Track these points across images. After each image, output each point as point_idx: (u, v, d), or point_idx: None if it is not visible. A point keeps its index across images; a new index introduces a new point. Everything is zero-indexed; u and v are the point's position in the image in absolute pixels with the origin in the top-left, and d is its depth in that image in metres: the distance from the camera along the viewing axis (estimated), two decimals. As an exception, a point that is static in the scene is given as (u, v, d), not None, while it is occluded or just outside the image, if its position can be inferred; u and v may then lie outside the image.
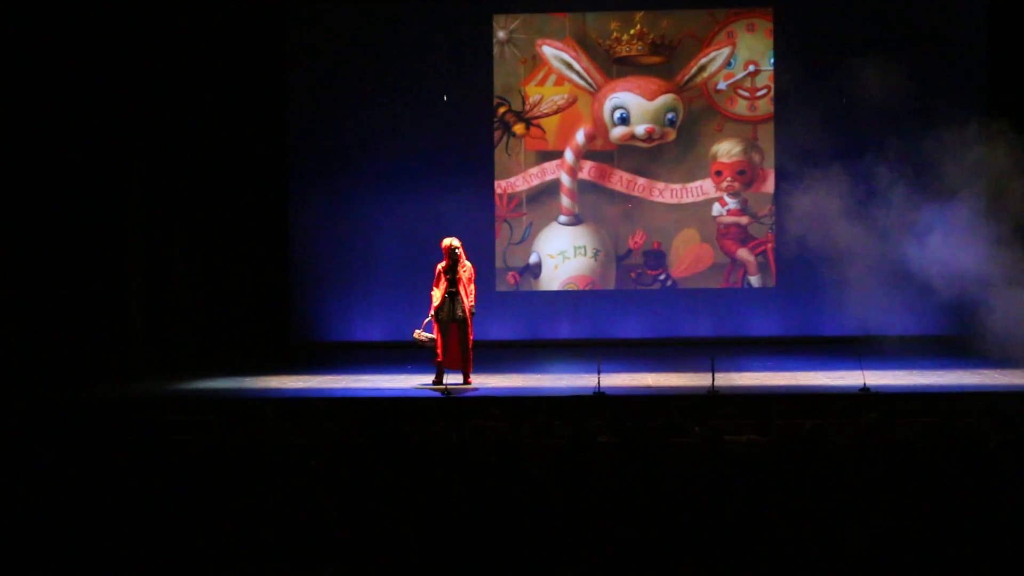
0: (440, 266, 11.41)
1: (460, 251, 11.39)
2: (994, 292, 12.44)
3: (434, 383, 11.39)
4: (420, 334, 11.48)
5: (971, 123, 12.50)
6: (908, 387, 10.94)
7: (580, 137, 15.01)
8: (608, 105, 14.95)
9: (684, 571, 5.03)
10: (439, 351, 11.34)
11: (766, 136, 14.89)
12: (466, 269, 11.40)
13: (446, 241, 11.44)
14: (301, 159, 14.97)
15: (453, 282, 11.31)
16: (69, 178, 12.44)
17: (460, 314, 11.31)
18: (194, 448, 7.28)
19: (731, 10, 14.87)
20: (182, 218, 14.15)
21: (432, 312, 11.36)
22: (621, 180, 15.01)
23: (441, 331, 11.33)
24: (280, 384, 11.81)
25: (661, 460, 6.55)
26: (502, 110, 15.03)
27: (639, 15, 14.89)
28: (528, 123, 15.03)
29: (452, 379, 11.31)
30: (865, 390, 10.51)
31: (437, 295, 11.34)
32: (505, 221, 15.09)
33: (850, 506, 5.56)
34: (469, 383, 11.37)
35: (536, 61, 15.01)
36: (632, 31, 14.90)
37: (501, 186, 15.06)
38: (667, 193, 14.99)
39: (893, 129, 12.80)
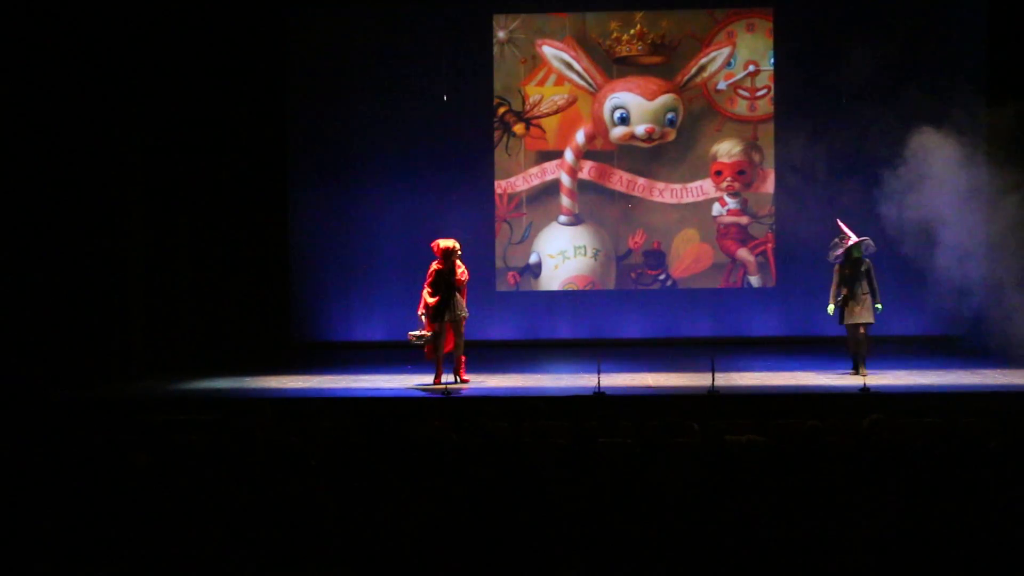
0: (436, 267, 11.38)
1: (459, 253, 11.42)
2: (995, 292, 12.45)
3: (435, 382, 11.38)
4: (414, 334, 11.42)
5: (972, 123, 12.49)
6: (908, 387, 10.93)
7: (580, 137, 15.02)
8: (608, 105, 14.95)
9: (685, 571, 5.03)
10: (448, 347, 11.33)
11: (766, 136, 14.90)
12: (463, 271, 11.42)
13: (446, 243, 11.41)
14: (301, 159, 14.99)
15: (452, 284, 11.31)
16: (70, 178, 12.44)
17: (460, 314, 11.33)
18: (194, 448, 7.28)
19: (731, 10, 14.88)
20: (182, 218, 14.15)
21: (424, 311, 11.32)
22: (621, 180, 15.01)
23: (439, 331, 11.30)
24: (280, 384, 11.81)
25: (661, 460, 6.54)
26: (502, 110, 15.03)
27: (639, 15, 14.90)
28: (528, 123, 15.03)
29: (447, 378, 11.32)
30: (865, 390, 10.50)
31: (434, 297, 11.29)
32: (505, 221, 15.09)
33: (850, 506, 5.56)
34: (466, 381, 11.39)
35: (536, 61, 15.01)
36: (632, 31, 14.90)
37: (501, 186, 15.06)
38: (667, 193, 15.00)
39: (893, 129, 12.79)
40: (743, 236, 14.99)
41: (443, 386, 11.05)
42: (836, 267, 11.79)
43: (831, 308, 11.79)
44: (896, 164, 12.30)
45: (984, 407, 9.52)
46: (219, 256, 14.45)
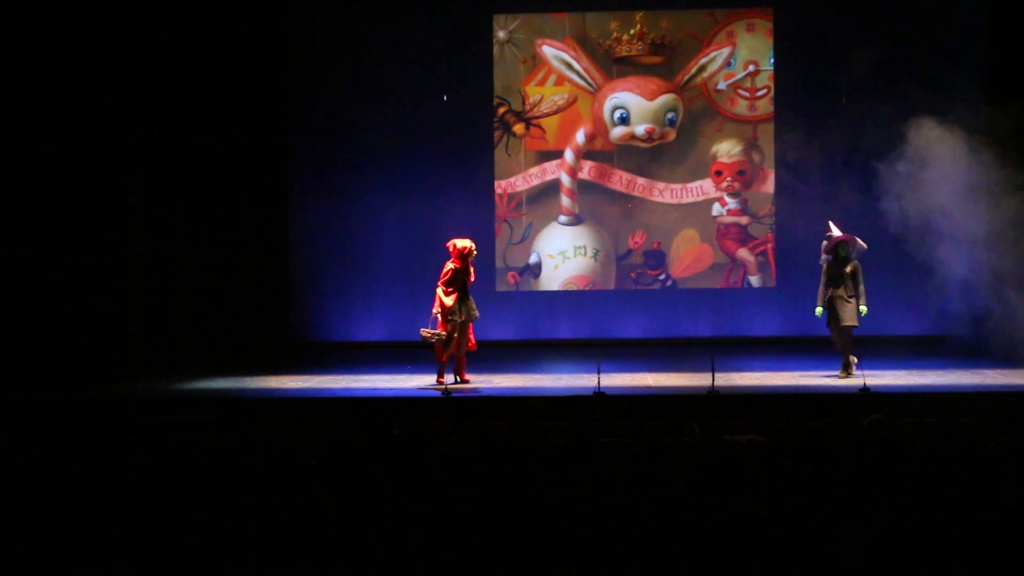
0: (453, 267, 11.33)
1: (475, 254, 11.44)
2: (995, 291, 12.45)
3: (438, 381, 11.36)
4: (427, 332, 11.37)
5: (972, 122, 12.50)
6: (908, 387, 10.93)
7: (580, 137, 15.02)
8: (608, 105, 14.95)
9: (684, 571, 5.03)
10: (452, 349, 11.33)
11: (766, 136, 14.89)
12: (472, 273, 11.46)
13: (463, 243, 11.39)
14: (301, 159, 14.99)
15: (466, 285, 11.32)
16: (69, 178, 12.43)
17: (474, 314, 11.37)
18: (194, 448, 7.28)
19: (731, 10, 14.89)
20: (182, 218, 14.14)
21: (440, 311, 11.29)
22: (621, 180, 15.01)
23: (453, 331, 11.27)
24: (280, 384, 11.81)
25: (661, 460, 6.54)
26: (502, 110, 15.03)
27: (639, 15, 14.90)
28: (528, 123, 15.03)
29: (447, 378, 11.32)
30: (865, 390, 10.49)
31: (450, 297, 11.27)
32: (505, 221, 15.09)
33: (850, 506, 5.56)
34: (467, 381, 11.39)
35: (536, 61, 15.01)
36: (632, 31, 14.91)
37: (501, 186, 15.07)
38: (667, 193, 15.00)
39: (893, 128, 12.80)
40: (743, 236, 14.99)
41: (444, 386, 11.04)
42: (824, 267, 11.66)
43: (818, 310, 11.64)
44: (896, 163, 12.30)
45: (984, 407, 9.52)
46: (219, 256, 14.44)
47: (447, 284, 11.30)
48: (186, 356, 13.67)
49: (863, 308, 11.51)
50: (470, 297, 11.42)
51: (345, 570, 5.08)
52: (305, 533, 5.39)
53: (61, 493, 6.04)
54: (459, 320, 11.28)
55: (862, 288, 11.49)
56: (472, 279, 11.47)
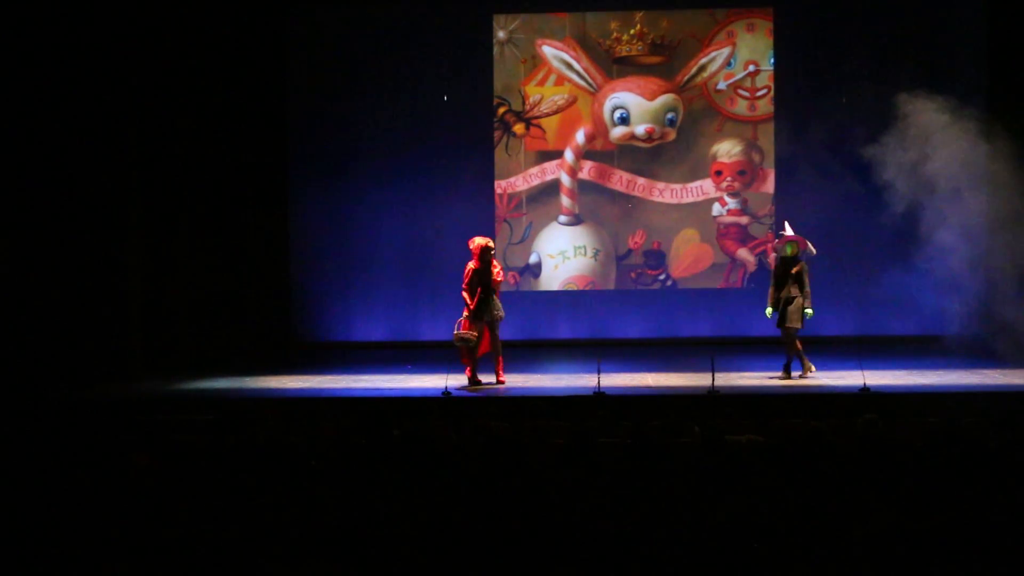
0: (472, 266, 11.27)
1: (493, 251, 11.40)
2: (995, 291, 12.45)
3: (472, 383, 11.33)
4: (461, 334, 11.30)
5: (971, 122, 12.49)
6: (908, 387, 10.93)
7: (580, 137, 15.02)
8: (608, 105, 14.95)
9: (684, 571, 5.03)
10: (481, 350, 11.31)
11: (766, 136, 14.89)
12: (499, 271, 11.39)
13: (479, 241, 11.35)
14: (301, 159, 14.99)
15: (488, 284, 11.26)
16: (69, 178, 12.44)
17: (497, 315, 11.29)
18: (194, 448, 7.28)
19: (731, 10, 14.89)
20: (182, 218, 14.14)
21: (467, 313, 11.24)
22: (621, 180, 15.01)
23: (480, 332, 11.25)
24: (280, 384, 11.81)
25: (661, 460, 6.55)
26: (502, 110, 15.03)
27: (639, 15, 14.90)
28: (528, 123, 15.03)
29: (486, 379, 11.33)
30: (865, 390, 10.50)
31: (473, 299, 11.20)
32: (505, 221, 15.09)
33: (850, 506, 5.56)
34: (502, 381, 11.35)
35: (536, 61, 15.01)
36: (632, 31, 14.90)
37: (501, 186, 15.07)
38: (667, 193, 15.00)
39: (893, 128, 12.80)
40: (743, 236, 14.99)
41: (482, 385, 11.13)
42: (772, 269, 11.69)
43: (768, 311, 11.65)
44: (897, 164, 12.29)
45: (984, 407, 9.52)
46: (219, 256, 14.45)
47: (469, 285, 11.25)
48: (186, 356, 13.68)
49: (808, 311, 11.46)
50: (494, 297, 11.29)
51: (345, 570, 5.08)
52: (305, 533, 5.39)
53: (61, 493, 6.04)
54: (485, 320, 11.24)
55: (807, 290, 11.46)
56: (498, 277, 11.32)
